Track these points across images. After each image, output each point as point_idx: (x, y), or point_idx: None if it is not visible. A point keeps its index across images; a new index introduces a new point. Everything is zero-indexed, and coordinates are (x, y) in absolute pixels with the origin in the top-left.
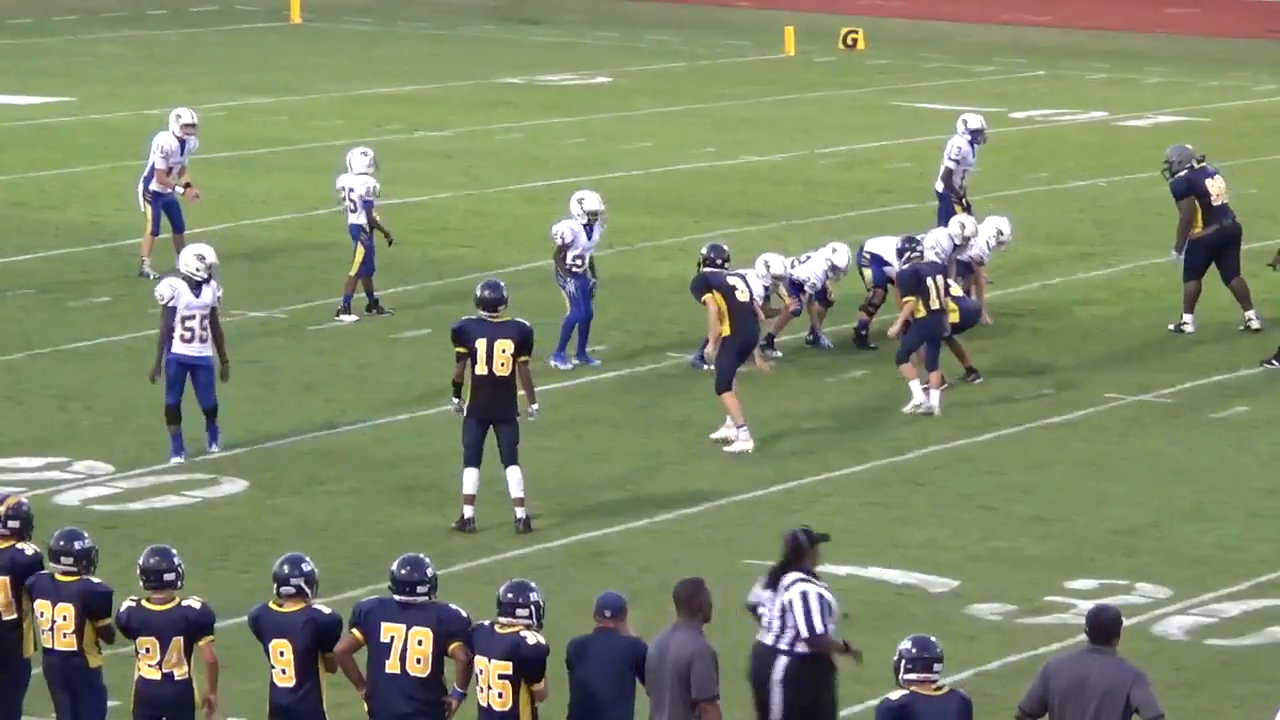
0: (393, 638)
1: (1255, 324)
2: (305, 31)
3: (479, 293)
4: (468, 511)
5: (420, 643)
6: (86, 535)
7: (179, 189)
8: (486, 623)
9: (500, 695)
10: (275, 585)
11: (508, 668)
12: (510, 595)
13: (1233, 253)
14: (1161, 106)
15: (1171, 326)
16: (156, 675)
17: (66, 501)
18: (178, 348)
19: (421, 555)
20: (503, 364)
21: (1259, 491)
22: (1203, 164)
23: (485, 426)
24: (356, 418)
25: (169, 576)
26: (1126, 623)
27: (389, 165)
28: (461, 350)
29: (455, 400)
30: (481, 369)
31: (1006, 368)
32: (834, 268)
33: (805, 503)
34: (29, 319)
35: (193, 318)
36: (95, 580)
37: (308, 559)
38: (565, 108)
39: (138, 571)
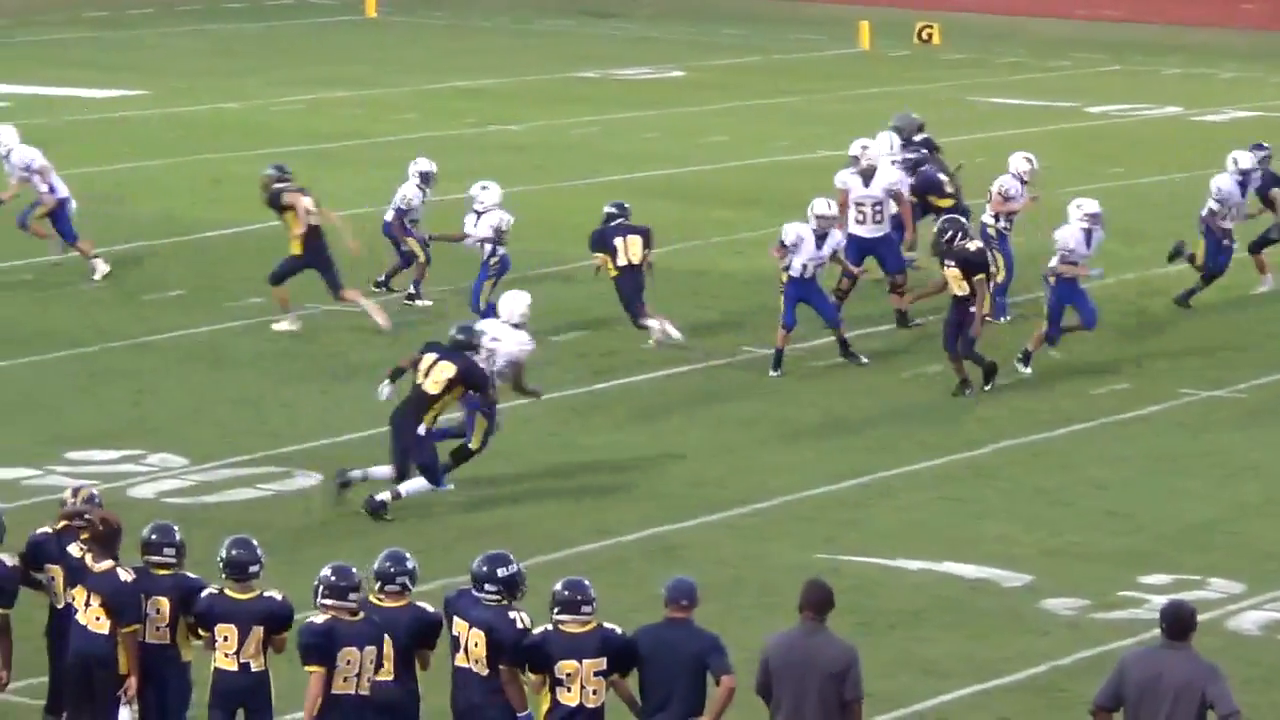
0: (460, 633)
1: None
2: (381, 25)
3: None
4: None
5: (476, 644)
6: (178, 528)
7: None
8: (548, 627)
9: (595, 692)
10: (379, 583)
11: (603, 664)
12: (568, 593)
13: None
14: (1237, 102)
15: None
16: (233, 666)
17: (141, 494)
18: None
19: (503, 552)
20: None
21: None
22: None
23: None
24: None
25: (254, 568)
26: (1200, 618)
27: (463, 160)
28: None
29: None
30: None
31: (1080, 363)
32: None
33: (879, 497)
34: (103, 312)
35: None
36: (190, 575)
37: (410, 556)
38: (639, 102)
39: (221, 562)
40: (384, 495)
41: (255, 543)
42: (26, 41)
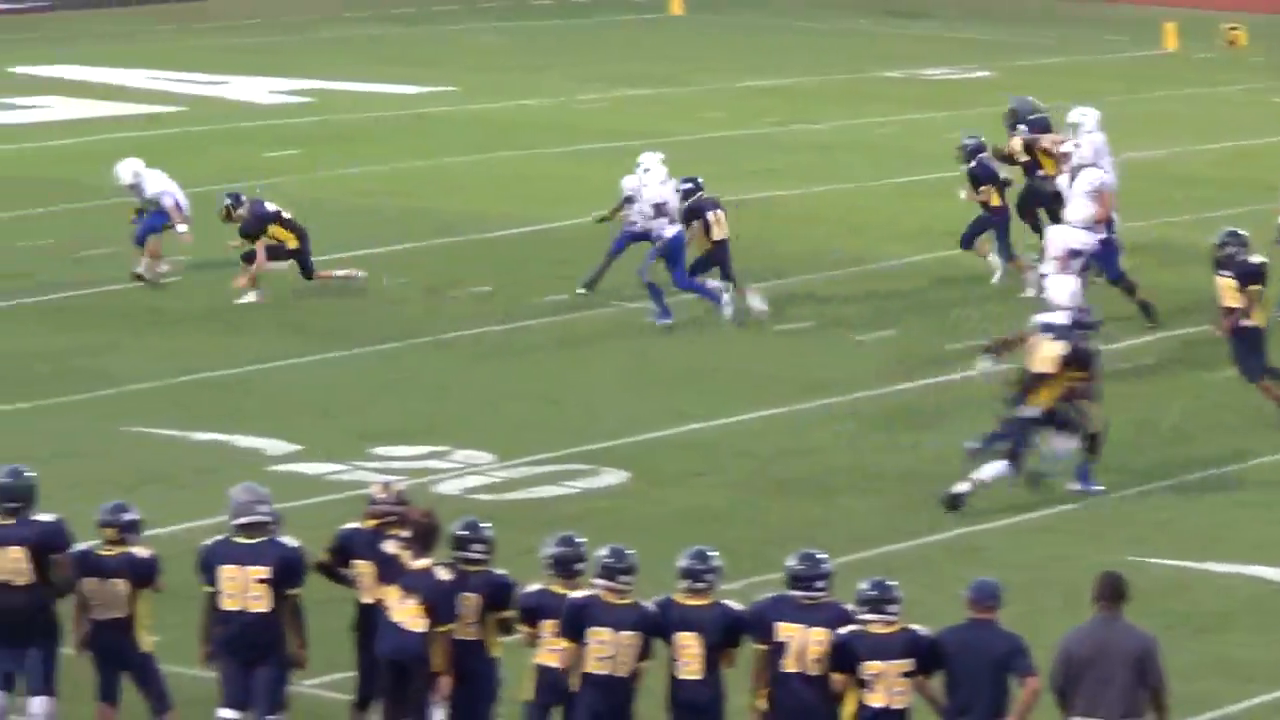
0: (789, 638)
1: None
2: (686, 23)
3: None
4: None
5: (820, 643)
6: (488, 525)
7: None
8: (854, 628)
9: (901, 693)
10: (685, 580)
11: (908, 664)
12: (874, 593)
13: None
14: None
15: None
16: (558, 662)
17: (447, 490)
18: None
19: (812, 549)
20: None
21: None
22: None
23: None
24: (735, 410)
25: (579, 565)
26: None
27: (766, 158)
28: None
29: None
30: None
31: None
32: None
33: (1186, 500)
34: (405, 309)
35: None
36: (497, 571)
37: (713, 552)
38: (943, 102)
39: (550, 559)
40: (972, 480)
41: (581, 540)
42: (331, 38)
